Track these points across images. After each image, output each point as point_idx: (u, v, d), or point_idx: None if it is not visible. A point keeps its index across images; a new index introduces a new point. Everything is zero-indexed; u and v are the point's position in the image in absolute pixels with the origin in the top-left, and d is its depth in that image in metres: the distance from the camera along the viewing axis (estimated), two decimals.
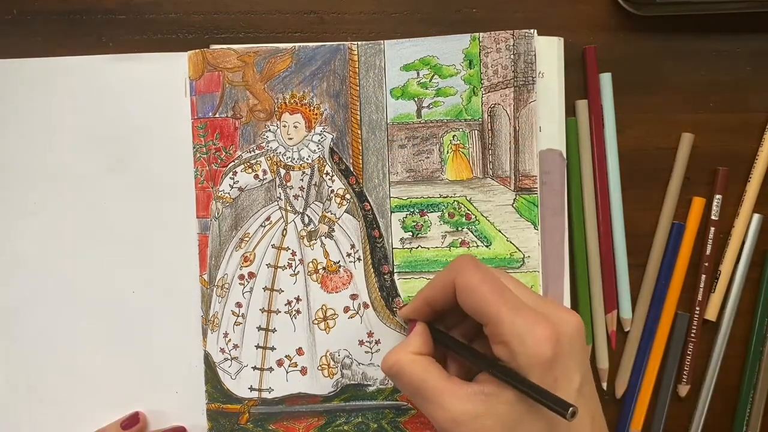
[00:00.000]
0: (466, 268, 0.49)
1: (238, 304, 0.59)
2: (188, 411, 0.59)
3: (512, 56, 0.58)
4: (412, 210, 0.59)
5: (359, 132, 0.59)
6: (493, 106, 0.58)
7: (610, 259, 0.61)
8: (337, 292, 0.59)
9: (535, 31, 0.58)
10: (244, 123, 0.59)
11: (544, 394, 0.44)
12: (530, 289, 0.51)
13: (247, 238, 0.59)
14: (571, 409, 0.42)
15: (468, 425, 0.46)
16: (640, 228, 0.62)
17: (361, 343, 0.59)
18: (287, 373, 0.59)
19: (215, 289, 0.59)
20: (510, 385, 0.46)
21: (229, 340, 0.59)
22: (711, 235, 0.62)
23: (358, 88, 0.59)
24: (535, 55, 0.58)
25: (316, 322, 0.59)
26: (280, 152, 0.59)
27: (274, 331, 0.59)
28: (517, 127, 0.58)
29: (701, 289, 0.62)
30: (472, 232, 0.59)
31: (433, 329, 0.53)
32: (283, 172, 0.59)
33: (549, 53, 0.59)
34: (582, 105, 0.61)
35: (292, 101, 0.59)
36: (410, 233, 0.59)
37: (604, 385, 0.61)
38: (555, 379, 0.45)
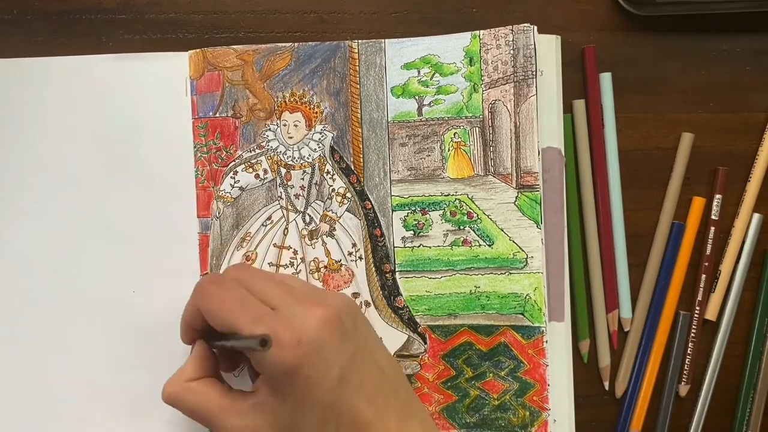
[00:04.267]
0: (204, 293, 0.49)
1: None
2: None
3: (512, 51, 0.58)
4: (413, 208, 0.59)
5: (360, 130, 0.59)
6: (494, 103, 0.58)
7: (610, 259, 0.61)
8: (338, 291, 0.59)
9: (535, 27, 0.58)
10: (245, 122, 0.59)
11: (240, 338, 0.45)
12: (286, 284, 0.50)
13: (248, 238, 0.59)
14: (261, 338, 0.42)
15: None
16: (640, 228, 0.62)
17: None
18: None
19: None
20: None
21: None
22: (711, 235, 0.62)
23: (358, 86, 0.59)
24: (534, 49, 0.58)
25: None
26: (280, 151, 0.59)
27: None
28: (518, 123, 0.58)
29: (701, 289, 0.62)
30: (474, 230, 0.58)
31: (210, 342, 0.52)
32: (283, 171, 0.59)
33: (547, 51, 0.59)
34: (579, 104, 0.61)
35: (292, 100, 0.59)
36: (412, 232, 0.59)
37: (606, 385, 0.61)
38: (307, 377, 0.45)
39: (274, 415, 0.46)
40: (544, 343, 0.58)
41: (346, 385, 0.46)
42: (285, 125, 0.59)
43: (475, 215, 0.58)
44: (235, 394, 0.49)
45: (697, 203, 0.62)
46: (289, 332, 0.45)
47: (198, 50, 0.59)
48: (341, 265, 0.59)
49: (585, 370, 0.61)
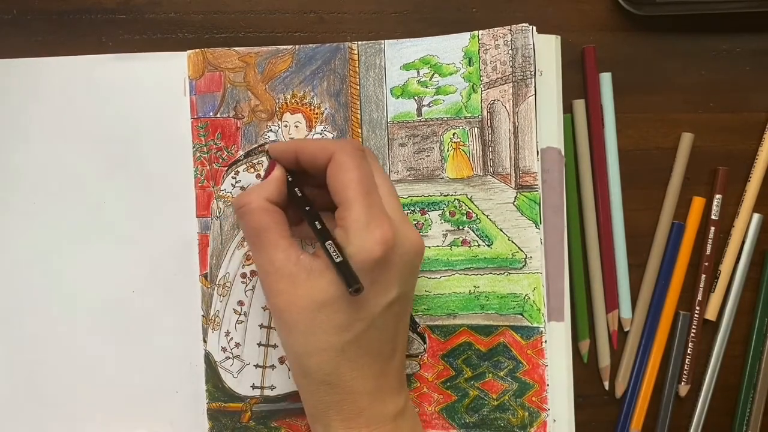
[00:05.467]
0: (350, 148, 0.50)
1: (240, 303, 0.59)
2: (188, 411, 0.58)
3: (510, 51, 0.58)
4: (412, 209, 0.59)
5: (360, 131, 0.59)
6: (493, 103, 0.58)
7: (610, 259, 0.61)
8: None
9: (534, 27, 0.58)
10: (246, 123, 0.59)
11: (342, 264, 0.46)
12: (398, 201, 0.51)
13: None
14: (356, 286, 0.45)
15: (280, 283, 0.48)
16: (640, 228, 0.62)
17: None
18: (289, 370, 0.59)
19: (216, 288, 0.59)
20: (319, 241, 0.48)
21: (231, 338, 0.59)
22: (711, 235, 0.62)
23: (358, 87, 0.59)
24: (533, 48, 0.58)
25: None
26: None
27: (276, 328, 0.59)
28: (517, 123, 0.58)
29: (701, 289, 0.62)
30: (473, 230, 0.58)
31: (288, 182, 0.53)
32: None
33: (547, 51, 0.59)
34: (579, 104, 0.61)
35: (293, 101, 0.59)
36: None
37: (606, 385, 0.61)
38: (372, 281, 0.47)
39: (316, 285, 0.47)
40: (543, 344, 0.58)
41: (390, 310, 0.48)
42: (286, 126, 0.59)
43: (474, 215, 0.58)
44: (294, 242, 0.50)
45: (697, 203, 0.62)
46: (390, 234, 0.47)
47: (197, 50, 0.59)
48: None
49: (585, 370, 0.61)
